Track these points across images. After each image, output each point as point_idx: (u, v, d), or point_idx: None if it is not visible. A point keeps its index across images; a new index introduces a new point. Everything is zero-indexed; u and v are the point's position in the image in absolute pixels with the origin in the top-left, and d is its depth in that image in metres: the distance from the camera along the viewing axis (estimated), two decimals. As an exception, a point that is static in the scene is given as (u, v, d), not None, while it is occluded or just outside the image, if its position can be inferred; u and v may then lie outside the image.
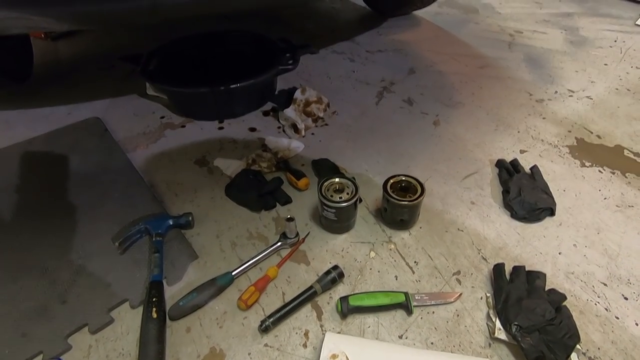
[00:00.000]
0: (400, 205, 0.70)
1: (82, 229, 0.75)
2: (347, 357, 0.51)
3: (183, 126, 1.06)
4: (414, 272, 0.67)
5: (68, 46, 1.56)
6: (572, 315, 0.57)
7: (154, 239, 0.70)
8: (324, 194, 0.70)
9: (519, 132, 1.00)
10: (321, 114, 1.07)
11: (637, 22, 1.55)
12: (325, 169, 0.88)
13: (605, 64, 1.29)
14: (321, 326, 0.60)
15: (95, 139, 1.01)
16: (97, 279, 0.66)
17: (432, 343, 0.57)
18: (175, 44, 1.18)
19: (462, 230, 0.74)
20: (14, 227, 0.77)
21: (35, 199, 0.83)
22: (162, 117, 1.10)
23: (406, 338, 0.58)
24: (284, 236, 0.72)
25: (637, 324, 0.58)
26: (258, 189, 0.81)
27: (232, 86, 0.97)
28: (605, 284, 0.64)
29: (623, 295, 0.62)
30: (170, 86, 1.02)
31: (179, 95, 1.07)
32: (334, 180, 0.72)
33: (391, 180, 0.73)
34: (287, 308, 0.60)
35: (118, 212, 0.78)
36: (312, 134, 1.02)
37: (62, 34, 1.62)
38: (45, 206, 0.81)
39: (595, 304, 0.61)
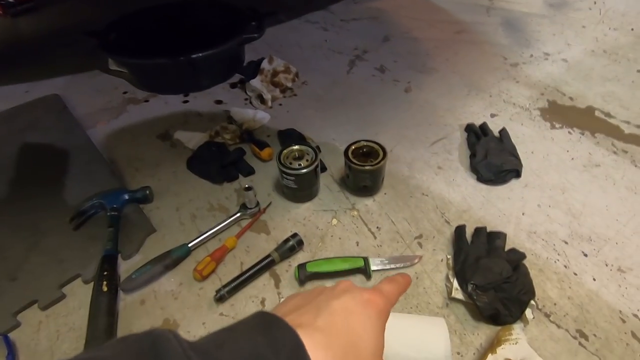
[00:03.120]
0: (361, 170, 0.68)
1: (37, 206, 0.73)
2: (298, 321, 0.50)
3: (146, 101, 1.02)
4: (375, 238, 0.66)
5: (29, 23, 1.49)
6: (529, 273, 0.57)
7: (108, 214, 0.68)
8: (282, 162, 0.68)
9: (491, 96, 0.98)
10: (289, 84, 1.04)
11: (618, -17, 1.51)
12: (291, 139, 0.86)
13: (583, 26, 1.26)
14: (278, 294, 0.59)
15: (54, 116, 0.96)
16: (50, 255, 0.64)
17: (389, 305, 0.57)
18: (137, 15, 1.12)
19: (427, 195, 0.73)
20: (-35, 207, 0.74)
21: (-11, 179, 0.80)
22: (125, 93, 1.06)
23: (364, 302, 0.57)
24: (243, 207, 0.70)
25: (594, 279, 0.58)
26: (220, 161, 0.79)
27: (193, 56, 0.93)
28: (566, 242, 0.64)
29: (583, 252, 0.62)
30: (129, 58, 0.98)
31: (139, 68, 1.02)
32: (293, 147, 0.70)
33: (353, 147, 0.71)
34: (243, 277, 0.59)
35: (75, 188, 0.76)
36: (280, 104, 0.99)
37: (22, 10, 1.54)
38: (0, 184, 0.79)
39: (555, 262, 0.61)
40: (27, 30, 1.44)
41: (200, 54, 0.93)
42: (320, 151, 0.77)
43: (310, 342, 0.23)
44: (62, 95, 1.04)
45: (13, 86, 1.11)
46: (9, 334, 0.54)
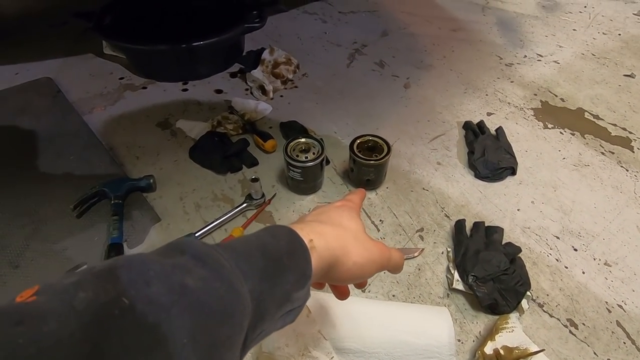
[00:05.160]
0: (366, 164, 0.69)
1: (34, 192, 0.71)
2: (309, 309, 0.51)
3: (144, 87, 1.01)
4: (379, 230, 0.68)
5: (13, 1, 1.42)
6: (525, 266, 0.60)
7: (112, 202, 0.67)
8: (289, 154, 0.68)
9: (487, 95, 1.01)
10: (290, 76, 1.04)
11: (607, -12, 1.56)
12: (293, 131, 0.86)
13: (574, 29, 1.30)
14: (286, 283, 0.60)
15: (47, 100, 0.94)
16: (52, 243, 0.63)
17: (393, 295, 0.59)
18: (133, -2, 1.09)
19: (427, 190, 0.76)
20: (-42, 192, 0.72)
21: (-19, 163, 0.78)
22: (122, 78, 1.03)
23: (369, 292, 0.60)
24: (249, 197, 0.70)
25: (583, 272, 0.62)
26: (223, 151, 0.79)
27: (195, 44, 0.92)
28: (557, 237, 0.67)
29: (573, 247, 0.66)
30: (127, 43, 0.95)
31: (137, 54, 1.00)
32: (300, 140, 0.71)
33: (358, 141, 0.72)
34: (252, 266, 0.60)
35: (74, 175, 0.75)
36: (281, 96, 0.99)
37: (5, -14, 1.46)
38: (-7, 171, 0.76)
39: (547, 256, 0.65)
40: (12, 8, 1.38)
41: (202, 42, 0.92)
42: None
43: (303, 232, 0.30)
44: (55, 79, 1.01)
45: (1, 67, 1.07)
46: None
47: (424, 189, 0.76)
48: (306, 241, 0.29)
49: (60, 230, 0.65)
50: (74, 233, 0.65)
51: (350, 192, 0.40)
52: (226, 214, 0.68)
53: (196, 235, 0.64)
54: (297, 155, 0.69)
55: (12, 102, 0.93)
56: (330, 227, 0.33)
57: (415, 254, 0.64)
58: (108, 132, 0.87)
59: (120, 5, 1.05)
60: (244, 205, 0.70)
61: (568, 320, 0.56)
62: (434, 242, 0.66)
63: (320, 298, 0.55)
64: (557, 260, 0.64)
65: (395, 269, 0.37)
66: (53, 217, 0.67)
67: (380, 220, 0.70)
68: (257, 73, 0.99)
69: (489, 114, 0.94)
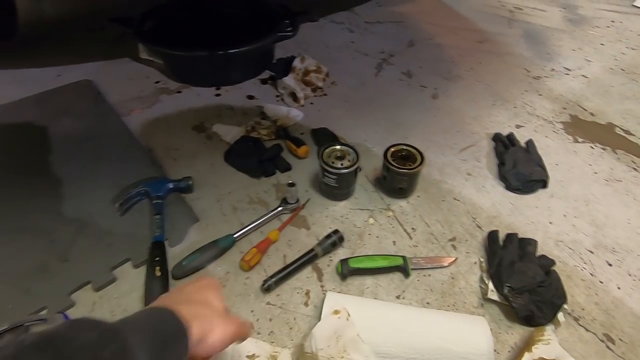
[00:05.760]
0: (400, 173, 0.71)
1: (79, 190, 0.74)
2: (348, 313, 0.53)
3: (179, 92, 1.04)
4: (411, 238, 0.69)
5: (53, 6, 1.48)
6: (560, 279, 0.61)
7: (154, 202, 0.70)
8: (325, 160, 0.70)
9: (515, 107, 1.01)
10: (320, 84, 1.06)
11: (634, 4, 1.56)
12: (325, 137, 0.88)
13: (602, 44, 1.30)
14: (321, 286, 0.62)
15: (88, 102, 0.98)
16: (98, 239, 0.66)
17: (428, 303, 0.60)
18: (170, 6, 1.14)
19: (459, 200, 0.76)
20: (8, 188, 0.75)
21: (28, 161, 0.82)
22: (157, 82, 1.07)
23: (403, 298, 0.61)
24: (284, 201, 0.72)
25: (619, 288, 0.62)
26: (258, 156, 0.81)
27: (231, 51, 0.95)
28: (591, 252, 0.67)
29: (607, 262, 0.66)
30: (168, 49, 0.99)
31: (175, 59, 1.04)
32: (335, 147, 0.73)
33: (392, 149, 0.74)
34: (289, 269, 0.61)
35: (115, 174, 0.77)
36: (311, 103, 1.01)
37: (45, -9, 1.53)
38: (39, 167, 0.80)
39: (582, 270, 0.65)
40: (51, 13, 1.44)
41: (238, 50, 0.95)
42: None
43: (182, 314, 0.35)
44: (94, 81, 1.05)
45: (43, 69, 1.12)
46: (66, 312, 0.56)
47: (455, 198, 0.77)
48: (184, 324, 0.35)
49: (105, 227, 0.68)
50: (118, 230, 0.67)
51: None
52: (262, 216, 0.70)
53: (234, 236, 0.66)
54: (333, 162, 0.71)
55: (55, 103, 0.97)
56: (202, 307, 0.39)
57: (446, 264, 0.65)
58: (146, 134, 0.90)
59: (159, 13, 1.10)
60: (280, 208, 0.71)
61: (605, 335, 0.56)
62: (467, 252, 0.67)
63: (361, 303, 0.56)
64: (592, 274, 0.64)
65: (245, 339, 0.44)
66: (97, 214, 0.70)
67: (412, 229, 0.71)
68: (289, 80, 1.01)
69: (518, 127, 0.95)
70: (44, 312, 0.56)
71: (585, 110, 1.01)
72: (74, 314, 0.57)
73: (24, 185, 0.75)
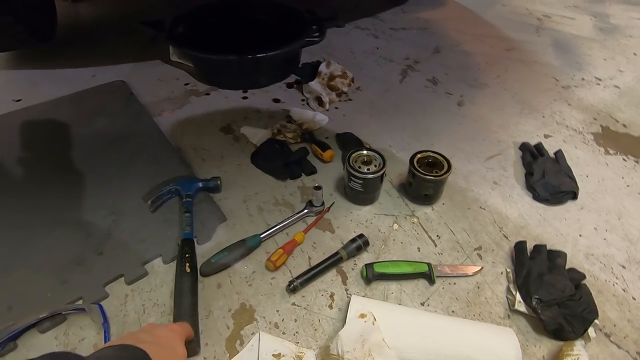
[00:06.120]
0: (426, 179, 0.71)
1: (113, 187, 0.77)
2: (374, 317, 0.53)
3: (207, 94, 1.07)
4: (436, 245, 0.69)
5: (88, 9, 1.55)
6: (591, 293, 0.59)
7: (184, 200, 0.72)
8: (351, 164, 0.71)
9: (543, 116, 1.00)
10: (345, 89, 1.07)
11: (670, 12, 1.51)
12: (349, 142, 0.89)
13: (635, 54, 1.27)
14: (346, 290, 0.62)
15: (121, 102, 1.01)
16: (131, 235, 0.68)
17: (452, 311, 0.60)
18: (201, 10, 1.17)
19: (485, 209, 0.76)
20: (47, 183, 0.79)
21: (65, 158, 0.85)
22: (187, 84, 1.10)
23: (428, 305, 0.60)
24: (310, 204, 0.73)
25: (653, 305, 0.60)
26: (284, 158, 0.82)
27: (260, 55, 0.97)
28: (623, 267, 0.66)
29: (641, 277, 0.64)
30: (199, 52, 1.02)
31: (205, 62, 1.06)
32: (362, 152, 0.73)
33: (418, 155, 0.74)
34: (314, 271, 0.62)
35: (147, 173, 0.80)
36: (336, 108, 1.02)
37: (82, -5, 1.60)
38: (75, 165, 0.83)
39: (613, 285, 0.63)
40: (87, 16, 1.50)
41: (266, 54, 0.97)
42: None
43: (147, 350, 0.39)
44: (127, 82, 1.09)
45: (78, 70, 1.16)
46: (101, 303, 0.58)
47: (481, 207, 0.76)
48: None
49: (137, 223, 0.70)
50: (150, 226, 0.70)
51: (179, 323, 0.52)
52: (288, 218, 0.71)
53: (261, 236, 0.67)
54: (359, 167, 0.71)
55: (90, 102, 1.02)
56: (168, 351, 0.44)
57: (470, 273, 0.64)
58: (176, 134, 0.92)
59: (190, 17, 1.13)
60: (305, 211, 0.72)
61: (639, 353, 0.55)
62: (493, 262, 0.66)
63: (386, 308, 0.56)
64: (624, 290, 0.62)
65: None
66: (130, 210, 0.72)
67: (437, 236, 0.71)
68: (315, 85, 1.03)
69: (546, 136, 0.93)
70: (79, 302, 0.58)
71: (618, 121, 0.98)
72: (107, 305, 0.59)
73: (61, 181, 0.79)
